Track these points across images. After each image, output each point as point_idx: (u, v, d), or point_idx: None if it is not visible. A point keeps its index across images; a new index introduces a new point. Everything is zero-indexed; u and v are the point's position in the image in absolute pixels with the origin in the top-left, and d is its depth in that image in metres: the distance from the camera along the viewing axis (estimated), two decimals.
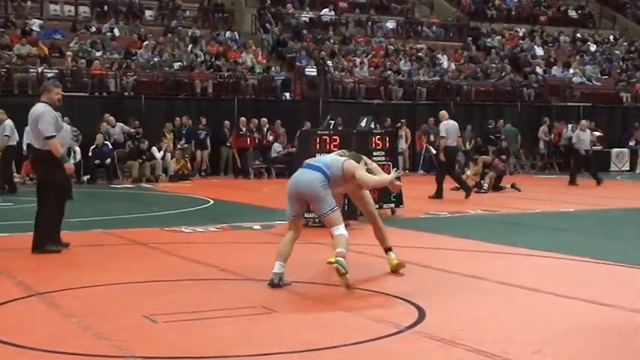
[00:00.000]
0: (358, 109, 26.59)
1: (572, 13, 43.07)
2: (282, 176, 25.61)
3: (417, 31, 37.86)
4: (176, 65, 29.30)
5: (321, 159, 8.55)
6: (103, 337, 6.12)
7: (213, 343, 6.02)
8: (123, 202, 17.36)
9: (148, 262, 9.91)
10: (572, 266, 9.69)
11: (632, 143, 32.72)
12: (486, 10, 40.92)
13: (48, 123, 10.56)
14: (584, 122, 24.53)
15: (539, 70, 35.57)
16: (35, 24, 30.44)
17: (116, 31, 31.25)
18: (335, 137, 13.31)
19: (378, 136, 14.81)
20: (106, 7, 33.31)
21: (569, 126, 31.33)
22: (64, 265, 9.61)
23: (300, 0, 37.23)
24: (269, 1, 35.50)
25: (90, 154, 23.85)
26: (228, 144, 27.11)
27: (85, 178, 24.04)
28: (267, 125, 27.43)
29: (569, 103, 34.19)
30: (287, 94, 30.12)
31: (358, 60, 32.69)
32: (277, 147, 27.04)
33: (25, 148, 18.69)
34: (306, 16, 36.43)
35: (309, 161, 8.50)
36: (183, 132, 26.68)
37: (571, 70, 35.98)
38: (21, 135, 20.14)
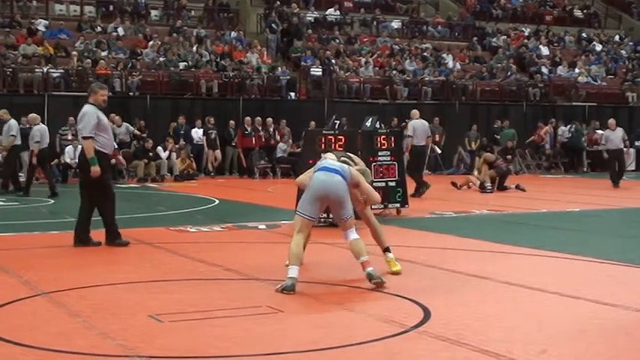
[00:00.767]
0: (363, 109, 26.60)
1: (578, 13, 43.01)
2: (287, 176, 25.63)
3: (422, 30, 37.85)
4: (181, 65, 29.33)
5: (333, 163, 8.42)
6: (108, 337, 6.12)
7: (218, 342, 6.03)
8: (128, 201, 17.36)
9: (153, 261, 9.92)
10: (577, 266, 9.68)
11: (638, 143, 32.63)
12: (492, 10, 40.90)
13: (87, 124, 10.85)
14: (612, 121, 23.61)
15: (544, 69, 35.52)
16: (41, 24, 30.52)
17: (121, 31, 31.30)
18: (340, 137, 13.31)
19: (383, 136, 14.80)
20: (111, 7, 33.37)
21: (568, 126, 31.34)
22: (70, 265, 9.63)
23: (305, 0, 37.24)
24: (278, 2, 35.48)
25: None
26: (234, 144, 27.13)
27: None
28: (273, 125, 27.43)
29: (574, 103, 34.17)
30: (292, 94, 30.14)
31: (363, 60, 32.69)
32: (282, 146, 27.04)
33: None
34: (311, 15, 36.45)
35: (326, 164, 8.37)
36: (182, 132, 26.68)
37: (576, 70, 35.93)
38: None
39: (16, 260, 9.79)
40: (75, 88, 27.04)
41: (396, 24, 37.94)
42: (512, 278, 8.55)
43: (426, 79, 32.51)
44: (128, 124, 25.57)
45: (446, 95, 32.38)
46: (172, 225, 13.47)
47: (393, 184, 14.69)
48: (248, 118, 27.25)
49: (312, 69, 31.14)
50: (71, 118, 24.75)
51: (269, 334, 6.25)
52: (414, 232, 12.81)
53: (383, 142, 14.68)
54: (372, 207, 14.23)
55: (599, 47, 39.41)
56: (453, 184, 21.67)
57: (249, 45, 32.24)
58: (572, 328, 6.51)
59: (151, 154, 25.23)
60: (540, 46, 37.79)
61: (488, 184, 20.83)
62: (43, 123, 24.82)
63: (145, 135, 25.60)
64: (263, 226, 13.35)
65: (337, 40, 34.39)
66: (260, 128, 27.24)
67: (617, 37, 41.38)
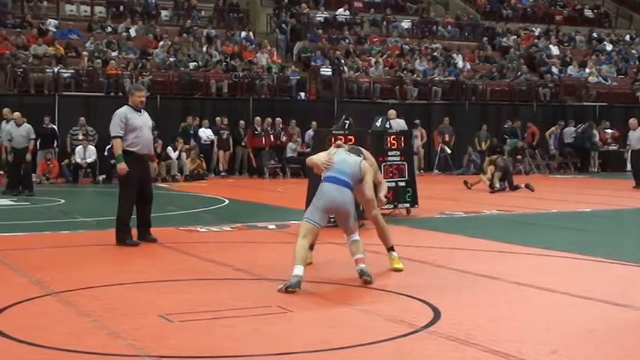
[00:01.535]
0: (373, 109, 26.59)
1: (588, 13, 42.93)
2: (296, 176, 25.66)
3: (432, 30, 37.84)
4: (191, 65, 29.39)
5: (344, 170, 8.46)
6: (118, 336, 6.14)
7: (228, 342, 6.03)
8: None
9: (163, 261, 9.94)
10: (587, 266, 9.66)
11: None
12: (502, 10, 40.84)
13: (115, 124, 11.19)
14: (633, 121, 22.97)
15: (554, 69, 35.47)
16: (51, 24, 30.62)
17: (132, 31, 31.38)
18: (350, 137, 13.30)
19: (393, 136, 14.80)
20: (121, 7, 33.47)
21: (576, 126, 31.26)
22: (80, 264, 9.65)
23: (315, 0, 37.25)
24: (286, 1, 35.51)
25: (105, 153, 23.92)
26: (244, 144, 27.15)
27: (101, 177, 24.14)
28: (281, 125, 27.44)
29: (585, 103, 34.10)
30: (302, 94, 30.16)
31: (373, 60, 32.69)
32: (292, 146, 27.05)
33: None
34: (321, 15, 36.46)
35: (336, 175, 8.42)
36: (191, 132, 26.72)
37: (587, 70, 35.86)
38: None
39: (26, 260, 9.82)
40: (85, 88, 27.15)
41: (405, 24, 37.94)
42: (522, 278, 8.54)
43: (436, 79, 32.49)
44: None
45: (456, 95, 32.37)
46: (182, 225, 13.49)
47: (403, 184, 14.69)
48: (258, 118, 27.28)
49: (321, 69, 31.15)
50: (82, 119, 24.89)
51: (279, 334, 6.25)
52: (424, 232, 12.81)
53: (393, 142, 14.68)
54: (382, 207, 14.31)
55: (609, 47, 39.32)
56: (465, 183, 21.68)
57: (259, 45, 32.26)
58: (582, 329, 6.50)
59: (160, 155, 25.26)
60: (550, 46, 37.73)
61: (497, 184, 20.84)
62: (54, 123, 25.02)
63: (155, 135, 25.63)
64: (273, 226, 13.36)
65: (347, 40, 34.40)
66: (270, 128, 27.25)
67: (627, 37, 41.29)
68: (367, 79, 31.40)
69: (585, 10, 42.95)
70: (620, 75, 37.00)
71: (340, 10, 36.91)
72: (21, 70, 26.91)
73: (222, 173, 26.78)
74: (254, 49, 31.91)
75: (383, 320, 6.72)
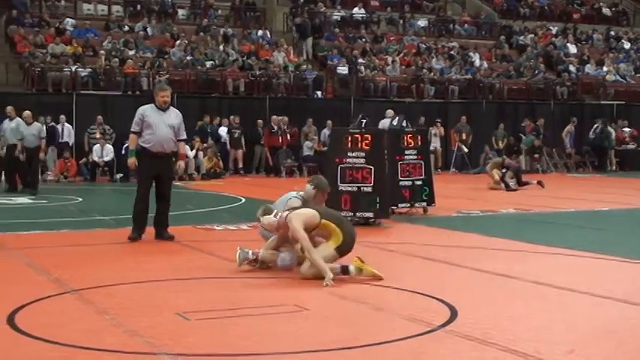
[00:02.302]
0: (390, 108, 26.52)
1: (606, 11, 42.70)
2: (313, 174, 25.58)
3: (449, 29, 37.74)
4: (208, 64, 29.44)
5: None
6: (135, 334, 6.16)
7: (244, 340, 6.04)
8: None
9: (180, 259, 9.96)
10: (606, 266, 9.61)
11: None
12: (519, 8, 40.70)
13: (134, 120, 11.45)
14: None
15: (572, 68, 35.32)
16: (69, 23, 30.75)
17: (149, 30, 31.47)
18: (367, 136, 13.30)
19: (409, 135, 14.77)
20: (138, 6, 33.55)
21: (594, 126, 31.08)
22: (98, 263, 9.68)
23: None
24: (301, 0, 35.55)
25: (123, 152, 23.98)
26: (262, 142, 27.16)
27: (118, 176, 24.20)
28: (287, 124, 27.29)
29: (602, 102, 33.93)
30: (319, 93, 30.16)
31: (390, 58, 32.64)
32: (309, 145, 27.05)
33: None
34: (337, 14, 36.44)
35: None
36: (208, 131, 26.74)
37: (604, 68, 35.69)
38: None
39: (44, 258, 9.86)
40: (103, 87, 27.23)
41: (422, 22, 37.85)
42: (540, 277, 8.50)
43: (453, 77, 32.42)
44: None
45: (473, 94, 32.28)
46: (199, 223, 13.52)
47: (420, 182, 14.66)
48: (274, 117, 27.28)
49: (338, 68, 31.13)
50: (99, 117, 24.96)
51: (295, 333, 6.25)
52: (441, 231, 12.78)
53: (410, 140, 14.66)
54: (399, 206, 14.30)
55: (627, 45, 39.10)
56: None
57: (276, 44, 32.28)
58: (601, 328, 6.46)
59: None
60: (568, 44, 37.56)
61: (511, 183, 20.89)
62: (71, 122, 25.11)
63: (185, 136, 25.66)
64: None
65: (364, 39, 34.36)
66: (285, 127, 27.24)
67: None
68: (384, 78, 31.37)
69: (603, 8, 42.71)
70: (638, 73, 36.78)
71: (356, 9, 36.86)
72: (39, 69, 27.02)
73: (240, 171, 26.76)
74: (270, 48, 31.93)
75: (400, 319, 6.70)
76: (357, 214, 13.05)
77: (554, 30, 39.19)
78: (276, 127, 27.06)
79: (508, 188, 20.62)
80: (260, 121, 27.30)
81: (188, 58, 29.42)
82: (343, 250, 8.48)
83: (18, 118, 19.89)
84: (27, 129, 19.29)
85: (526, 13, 40.60)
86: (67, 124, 24.95)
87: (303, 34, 33.40)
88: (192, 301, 7.37)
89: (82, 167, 24.63)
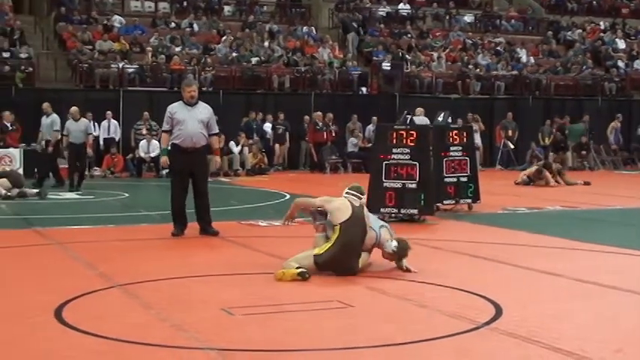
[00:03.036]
0: (435, 104, 26.42)
1: None
2: (358, 171, 25.60)
3: (496, 24, 37.47)
4: (254, 60, 29.53)
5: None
6: (180, 329, 6.20)
7: (289, 336, 6.06)
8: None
9: (225, 255, 10.02)
10: None
11: None
12: (567, 3, 40.28)
13: (164, 119, 11.62)
14: None
15: (620, 63, 34.87)
16: (116, 20, 31.03)
17: (195, 27, 31.65)
18: (412, 132, 13.26)
19: (455, 131, 14.70)
20: (185, 3, 33.73)
21: None
22: (144, 257, 9.77)
23: None
24: None
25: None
26: (307, 138, 27.20)
27: (164, 171, 24.33)
28: (323, 120, 27.22)
29: None
30: (364, 89, 30.12)
31: (435, 54, 32.49)
32: (353, 141, 27.03)
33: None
34: (383, 10, 36.35)
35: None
36: (254, 127, 26.83)
37: None
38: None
39: (91, 252, 9.97)
40: (149, 83, 27.46)
41: (468, 18, 37.62)
42: (586, 276, 8.43)
43: (499, 73, 32.19)
44: None
45: (519, 90, 32.03)
46: (244, 219, 13.58)
47: (465, 179, 14.58)
48: (319, 113, 27.30)
49: (383, 64, 31.06)
50: (146, 113, 25.17)
51: (340, 329, 6.26)
52: (486, 228, 12.71)
53: (455, 137, 14.58)
54: (444, 203, 14.26)
55: None
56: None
57: (321, 40, 32.29)
58: None
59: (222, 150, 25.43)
60: (617, 40, 37.07)
61: (560, 181, 20.80)
62: (118, 118, 25.35)
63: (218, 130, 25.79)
64: None
65: (409, 35, 34.24)
66: (330, 123, 27.24)
67: None
68: (429, 74, 31.24)
69: None
70: None
71: (402, 5, 36.74)
72: (87, 65, 27.33)
73: (279, 167, 26.84)
74: (316, 44, 31.96)
75: (444, 316, 6.68)
76: (402, 210, 13.03)
77: (602, 25, 38.71)
78: (320, 124, 27.07)
79: (559, 182, 20.56)
80: (307, 117, 27.32)
81: (234, 54, 29.56)
82: (321, 260, 8.32)
83: (54, 115, 20.19)
84: (74, 125, 19.43)
85: (574, 8, 40.16)
86: (113, 120, 25.19)
87: (348, 30, 33.38)
88: (236, 296, 7.41)
89: (128, 163, 24.86)
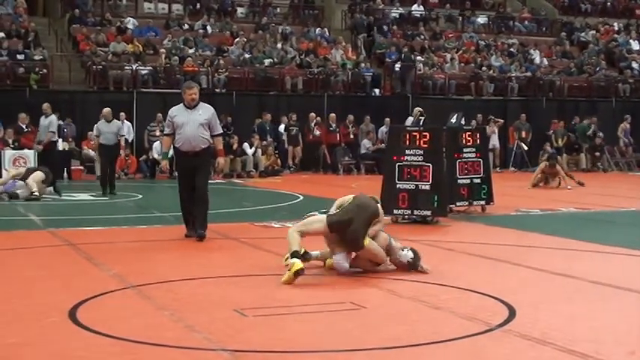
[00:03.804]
0: (448, 105, 26.39)
1: None
2: (371, 172, 25.61)
3: (509, 25, 37.40)
4: (267, 62, 29.58)
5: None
6: (194, 330, 6.22)
7: (302, 337, 6.06)
8: (214, 197, 17.50)
9: (238, 256, 10.03)
10: None
11: None
12: (580, 4, 40.16)
13: (165, 123, 11.80)
14: None
15: (634, 64, 34.74)
16: (130, 22, 31.12)
17: (208, 29, 31.73)
18: (425, 133, 13.24)
19: (468, 133, 14.68)
20: (198, 5, 33.80)
21: None
22: (158, 259, 9.79)
23: None
24: None
25: None
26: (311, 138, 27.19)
27: (175, 173, 24.39)
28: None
29: None
30: (376, 90, 30.12)
31: (449, 56, 32.46)
32: (366, 143, 27.03)
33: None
34: (396, 11, 36.34)
35: None
36: (267, 128, 26.86)
37: None
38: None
39: (105, 254, 10.00)
40: (163, 85, 27.54)
41: (481, 19, 37.56)
42: (600, 277, 8.40)
43: (513, 74, 32.13)
44: None
45: (532, 91, 31.97)
46: (257, 220, 13.59)
47: (478, 180, 14.56)
48: (333, 115, 27.33)
49: (396, 65, 31.04)
50: (159, 115, 25.22)
51: (353, 330, 6.26)
52: (499, 230, 12.69)
53: (468, 138, 14.56)
54: (457, 204, 14.24)
55: None
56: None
57: (334, 41, 32.30)
58: None
59: (235, 151, 25.46)
60: (631, 41, 36.94)
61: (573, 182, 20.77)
62: (131, 120, 25.41)
63: (231, 131, 25.85)
64: None
65: (422, 36, 34.21)
66: (351, 125, 27.22)
67: None
68: (442, 75, 31.21)
69: None
70: None
71: (415, 6, 36.71)
72: (100, 67, 27.43)
73: (291, 168, 26.86)
74: (329, 46, 31.96)
75: (457, 318, 6.68)
76: (415, 212, 13.02)
77: (616, 26, 38.58)
78: (334, 125, 27.09)
79: (575, 182, 20.54)
80: (312, 115, 27.26)
81: (247, 56, 29.61)
82: (335, 218, 8.53)
83: (53, 115, 20.39)
84: (106, 126, 19.27)
85: (587, 9, 40.04)
86: (127, 122, 25.25)
87: (360, 32, 33.39)
88: (249, 297, 7.42)
89: (141, 164, 24.92)
